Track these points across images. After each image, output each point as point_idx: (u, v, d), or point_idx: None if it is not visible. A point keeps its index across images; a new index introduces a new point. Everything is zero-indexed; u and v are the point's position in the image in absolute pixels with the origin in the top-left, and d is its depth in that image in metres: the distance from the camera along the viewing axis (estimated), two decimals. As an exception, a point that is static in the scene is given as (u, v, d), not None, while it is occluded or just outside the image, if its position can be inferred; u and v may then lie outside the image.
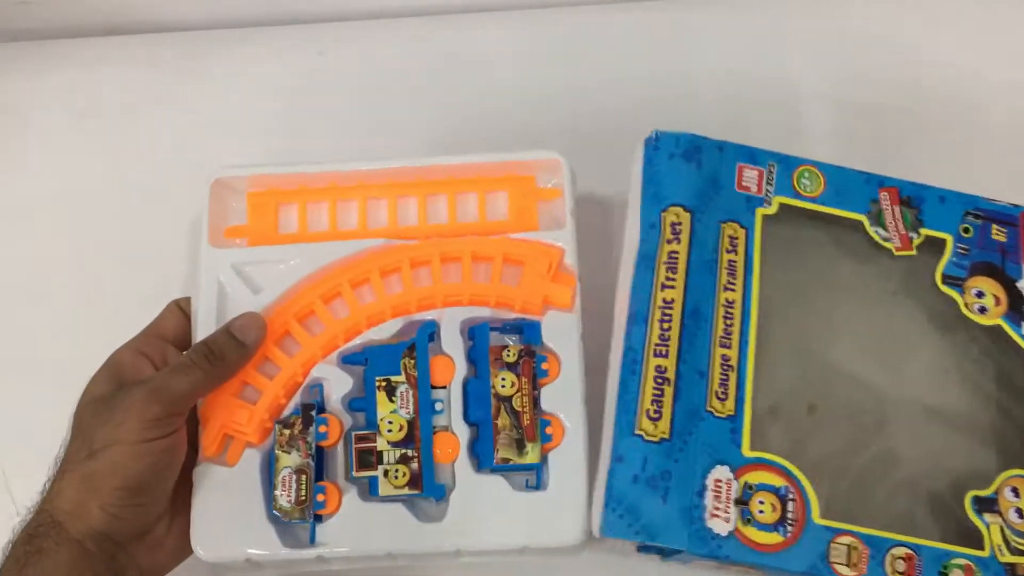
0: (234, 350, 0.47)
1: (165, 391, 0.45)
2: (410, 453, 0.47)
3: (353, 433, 0.48)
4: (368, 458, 0.47)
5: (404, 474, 0.47)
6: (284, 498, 0.46)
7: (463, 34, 0.68)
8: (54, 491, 0.44)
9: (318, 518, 0.47)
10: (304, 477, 0.47)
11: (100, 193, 0.64)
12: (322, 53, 0.68)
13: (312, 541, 0.47)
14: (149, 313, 0.52)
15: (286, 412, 0.48)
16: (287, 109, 0.66)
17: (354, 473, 0.47)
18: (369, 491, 0.47)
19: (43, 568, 0.42)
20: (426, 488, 0.47)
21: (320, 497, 0.47)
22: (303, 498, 0.46)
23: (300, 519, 0.46)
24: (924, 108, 0.65)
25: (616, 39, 0.68)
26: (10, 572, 0.42)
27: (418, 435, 0.48)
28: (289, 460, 0.47)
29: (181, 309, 0.51)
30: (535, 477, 0.48)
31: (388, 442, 0.47)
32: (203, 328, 0.49)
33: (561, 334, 0.49)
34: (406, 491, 0.47)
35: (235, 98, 0.67)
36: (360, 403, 0.49)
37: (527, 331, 0.49)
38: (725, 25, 0.68)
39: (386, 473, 0.47)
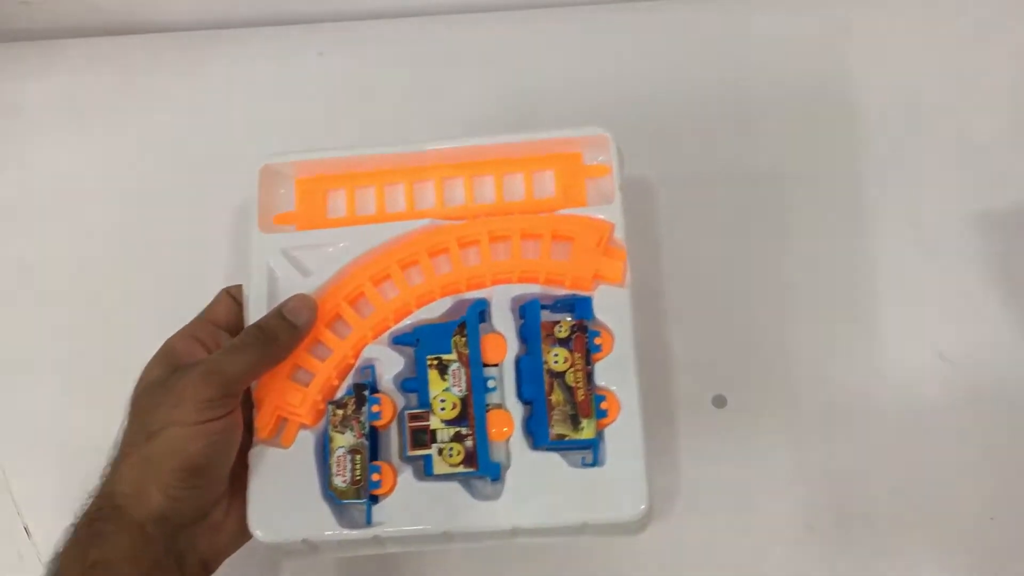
0: (286, 331, 0.48)
1: (219, 372, 0.45)
2: (464, 431, 0.47)
3: (406, 412, 0.48)
4: (422, 437, 0.47)
5: (459, 452, 0.47)
6: (339, 478, 0.46)
7: (464, 34, 0.69)
8: (114, 475, 0.44)
9: (373, 498, 0.47)
10: (359, 457, 0.47)
11: (99, 193, 0.65)
12: (322, 53, 0.69)
13: (368, 521, 0.46)
14: (150, 312, 0.55)
15: (339, 393, 0.49)
16: (287, 109, 0.67)
17: (408, 452, 0.47)
18: (424, 470, 0.47)
19: (104, 551, 0.43)
20: (481, 466, 0.46)
21: (375, 477, 0.46)
22: (358, 478, 0.46)
23: (355, 499, 0.46)
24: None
25: (620, 36, 0.69)
26: (72, 555, 0.43)
27: (471, 413, 0.47)
28: (343, 440, 0.47)
29: (232, 296, 0.51)
30: (591, 454, 0.47)
31: (441, 420, 0.47)
32: (255, 312, 0.50)
33: (613, 309, 0.49)
34: (461, 469, 0.46)
35: (235, 98, 0.68)
36: (412, 383, 0.49)
37: (578, 307, 0.49)
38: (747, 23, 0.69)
39: (440, 451, 0.47)
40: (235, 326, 0.50)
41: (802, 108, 0.65)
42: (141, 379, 0.47)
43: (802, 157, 0.64)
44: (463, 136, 0.53)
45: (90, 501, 0.44)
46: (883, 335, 0.59)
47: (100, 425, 0.54)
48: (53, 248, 0.64)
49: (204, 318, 0.50)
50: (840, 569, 0.54)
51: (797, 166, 0.64)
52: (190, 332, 0.49)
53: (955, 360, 0.58)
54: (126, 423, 0.46)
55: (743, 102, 0.66)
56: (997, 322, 0.59)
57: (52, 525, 0.52)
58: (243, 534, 0.47)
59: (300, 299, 0.49)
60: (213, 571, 0.47)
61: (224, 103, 0.68)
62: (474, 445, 0.47)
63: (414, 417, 0.48)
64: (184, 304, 0.58)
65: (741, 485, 0.55)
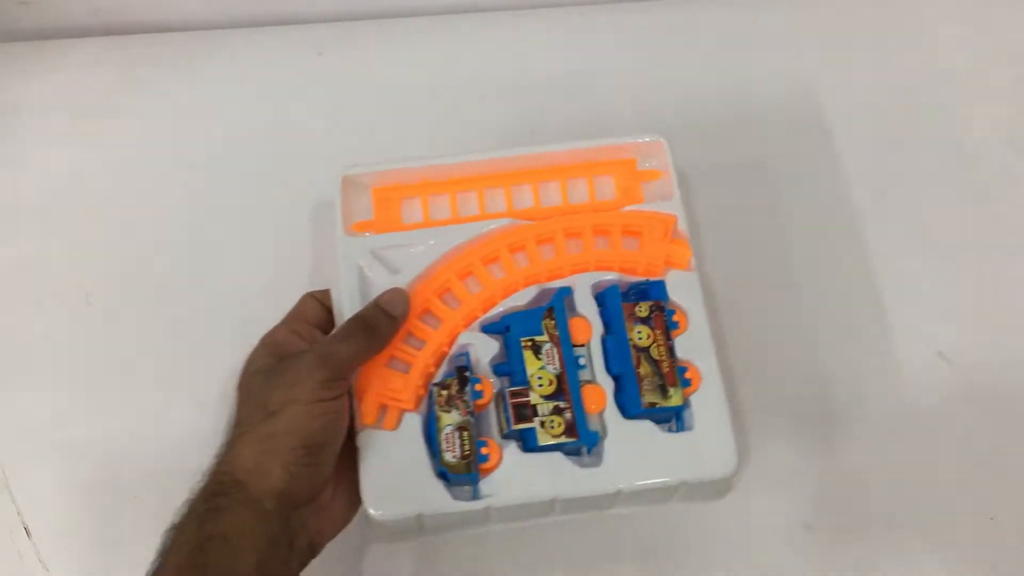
0: (385, 321, 0.51)
1: (332, 356, 0.48)
2: (562, 405, 0.50)
3: (507, 390, 0.51)
4: (524, 412, 0.50)
5: (559, 424, 0.50)
6: (450, 454, 0.49)
7: (464, 34, 0.71)
8: (233, 452, 0.46)
9: (476, 476, 0.49)
10: (466, 433, 0.49)
11: (98, 193, 0.66)
12: (322, 53, 0.70)
13: (476, 496, 0.49)
14: (150, 311, 0.59)
15: (439, 377, 0.51)
16: (287, 109, 0.68)
17: (513, 426, 0.50)
18: (526, 444, 0.50)
19: (222, 525, 0.44)
20: (581, 435, 0.50)
21: (484, 451, 0.49)
22: (467, 452, 0.49)
23: (467, 472, 0.49)
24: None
25: (623, 36, 0.71)
26: (189, 528, 0.44)
27: (566, 388, 0.51)
28: (450, 419, 0.50)
29: (317, 299, 0.54)
30: (676, 422, 0.51)
31: (540, 396, 0.51)
32: (348, 308, 0.52)
33: (684, 291, 0.54)
34: (564, 439, 0.50)
35: (235, 98, 0.69)
36: (505, 367, 0.52)
37: (653, 291, 0.54)
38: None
39: (543, 424, 0.50)
40: (325, 326, 0.53)
41: (803, 108, 0.68)
42: (248, 367, 0.49)
43: (801, 158, 0.66)
44: (527, 145, 0.57)
45: (207, 478, 0.45)
46: (883, 335, 0.60)
47: (100, 425, 0.59)
48: (52, 248, 0.64)
49: (296, 316, 0.53)
50: (840, 569, 0.54)
51: (796, 167, 0.66)
52: (288, 327, 0.51)
53: (955, 360, 0.60)
54: (236, 407, 0.48)
55: (746, 102, 0.68)
56: (997, 322, 0.61)
57: (52, 524, 0.56)
58: (346, 517, 0.49)
59: (395, 292, 0.52)
60: (317, 554, 0.48)
61: (224, 103, 0.69)
62: (573, 417, 0.50)
63: (515, 394, 0.51)
64: (187, 303, 0.62)
65: (741, 485, 0.55)
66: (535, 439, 0.50)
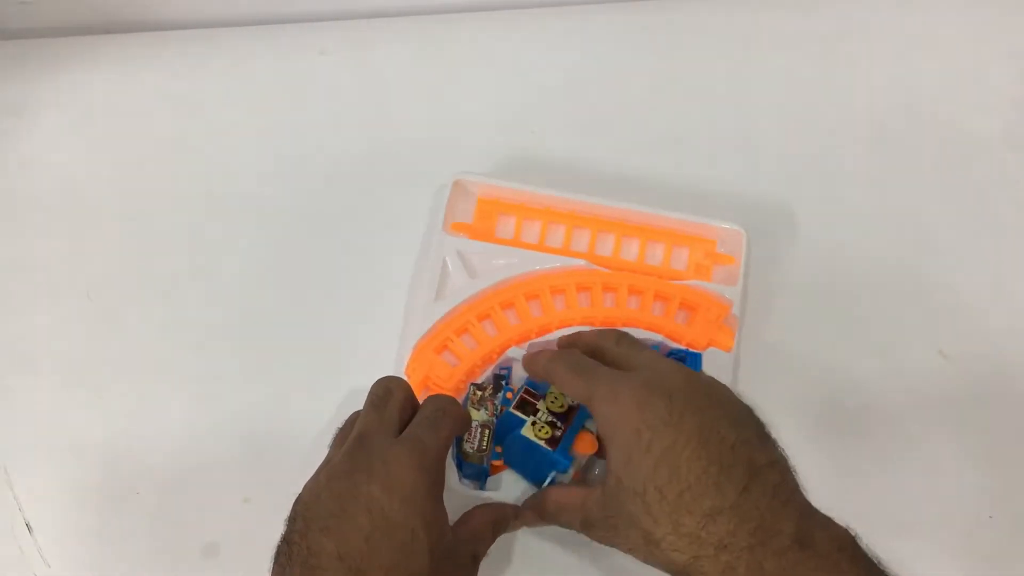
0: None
1: None
2: (558, 424, 0.60)
3: (526, 386, 0.61)
4: (526, 407, 0.60)
5: (547, 432, 0.59)
6: (468, 445, 0.61)
7: (465, 33, 0.77)
8: None
9: (487, 469, 0.61)
10: (487, 432, 0.61)
11: (100, 191, 0.70)
12: (324, 52, 0.75)
13: (483, 487, 0.61)
14: (151, 309, 0.64)
15: (480, 378, 0.63)
16: (289, 108, 0.73)
17: (511, 408, 0.60)
18: (507, 427, 0.59)
19: None
20: (559, 451, 0.59)
21: (498, 449, 0.61)
22: (484, 448, 0.60)
23: (478, 463, 0.60)
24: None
25: (623, 36, 0.77)
26: None
27: (571, 418, 0.60)
28: (478, 416, 0.61)
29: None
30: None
31: (547, 409, 0.61)
32: (419, 291, 0.65)
33: (718, 366, 0.63)
34: (542, 444, 0.59)
35: (236, 97, 0.74)
36: (535, 386, 0.63)
37: (689, 360, 0.63)
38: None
39: (534, 423, 0.60)
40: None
41: (802, 108, 0.73)
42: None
43: (802, 157, 0.71)
44: (623, 200, 0.68)
45: None
46: (883, 333, 0.64)
47: (101, 421, 0.64)
48: (52, 245, 0.68)
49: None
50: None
51: (796, 167, 0.71)
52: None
53: (955, 358, 0.63)
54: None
55: (744, 100, 0.73)
56: (997, 322, 0.65)
57: (53, 520, 0.61)
58: None
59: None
60: None
61: (225, 102, 0.73)
62: (562, 435, 0.60)
63: (529, 392, 0.61)
64: (187, 300, 0.67)
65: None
66: (520, 427, 0.59)
